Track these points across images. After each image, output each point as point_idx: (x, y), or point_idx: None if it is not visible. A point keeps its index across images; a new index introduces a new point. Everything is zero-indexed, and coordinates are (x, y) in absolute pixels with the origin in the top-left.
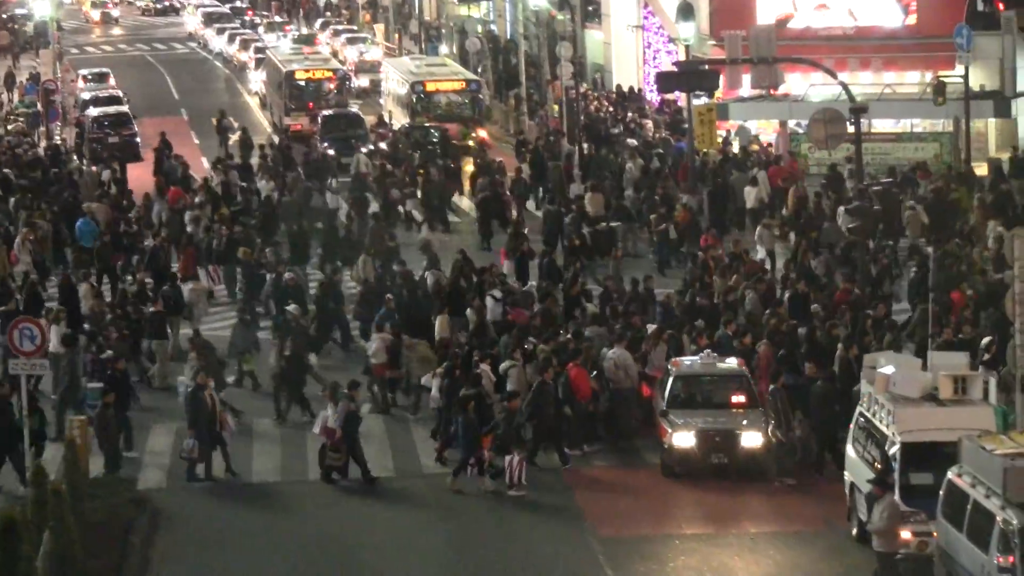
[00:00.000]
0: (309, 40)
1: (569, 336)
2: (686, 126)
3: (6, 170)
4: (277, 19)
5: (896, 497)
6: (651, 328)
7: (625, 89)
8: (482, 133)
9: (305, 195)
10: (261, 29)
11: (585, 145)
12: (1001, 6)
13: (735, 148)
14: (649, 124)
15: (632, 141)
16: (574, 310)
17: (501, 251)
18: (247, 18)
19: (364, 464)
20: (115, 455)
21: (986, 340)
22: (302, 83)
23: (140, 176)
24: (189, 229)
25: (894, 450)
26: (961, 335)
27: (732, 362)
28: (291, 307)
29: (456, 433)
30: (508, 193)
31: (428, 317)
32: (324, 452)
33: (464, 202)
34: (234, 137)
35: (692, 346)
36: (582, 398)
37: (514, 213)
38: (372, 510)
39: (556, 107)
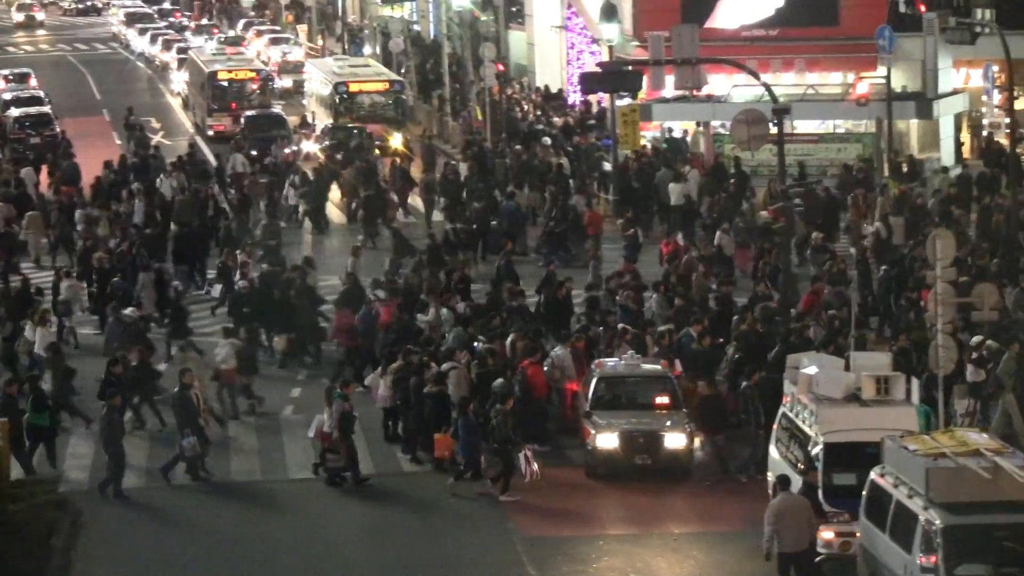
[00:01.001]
0: (237, 43)
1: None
2: (592, 122)
3: None
4: (205, 21)
5: (783, 496)
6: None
7: (550, 90)
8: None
9: (195, 195)
10: (189, 32)
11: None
12: (923, 8)
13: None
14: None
15: (546, 140)
16: (563, 313)
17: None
18: (175, 20)
19: (356, 465)
20: (120, 459)
21: (976, 339)
22: (225, 84)
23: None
24: (80, 228)
25: (817, 450)
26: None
27: (655, 363)
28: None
29: (455, 433)
30: (391, 192)
31: (294, 316)
32: (324, 456)
33: (417, 201)
34: (156, 138)
35: (655, 347)
36: (538, 395)
37: (399, 213)
38: (294, 513)
39: (479, 108)
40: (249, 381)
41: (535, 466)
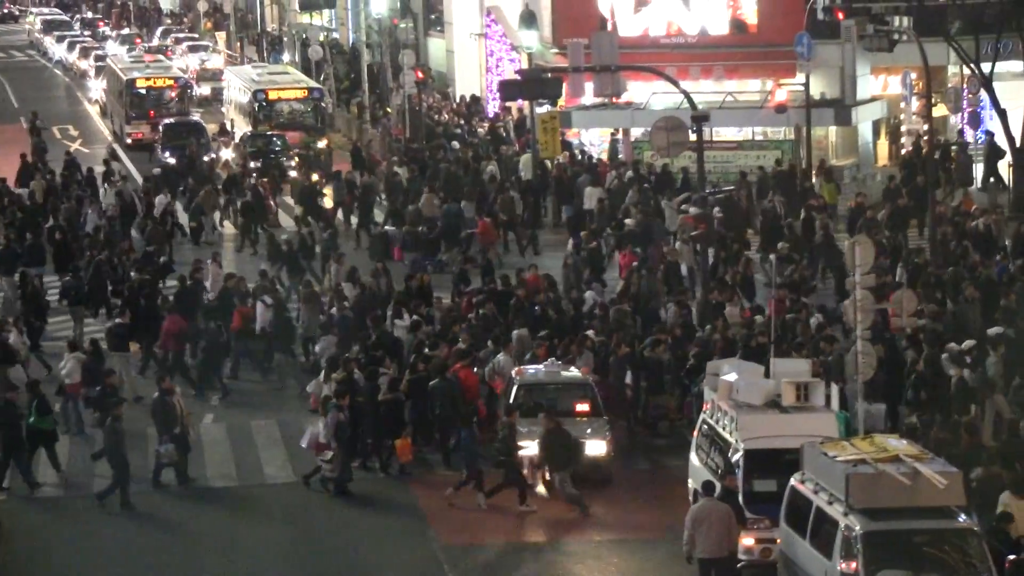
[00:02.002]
0: (161, 52)
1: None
2: (501, 127)
3: None
4: (127, 31)
5: (704, 501)
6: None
7: (468, 97)
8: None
9: (79, 202)
10: (111, 41)
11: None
12: (841, 15)
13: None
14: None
15: (455, 144)
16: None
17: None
18: (99, 30)
19: (349, 472)
20: (123, 467)
21: (967, 344)
22: (143, 91)
23: None
24: None
25: (737, 457)
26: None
27: (575, 371)
28: None
29: (457, 445)
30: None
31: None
32: (319, 467)
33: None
34: (74, 145)
35: (611, 356)
36: (470, 398)
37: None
38: (212, 517)
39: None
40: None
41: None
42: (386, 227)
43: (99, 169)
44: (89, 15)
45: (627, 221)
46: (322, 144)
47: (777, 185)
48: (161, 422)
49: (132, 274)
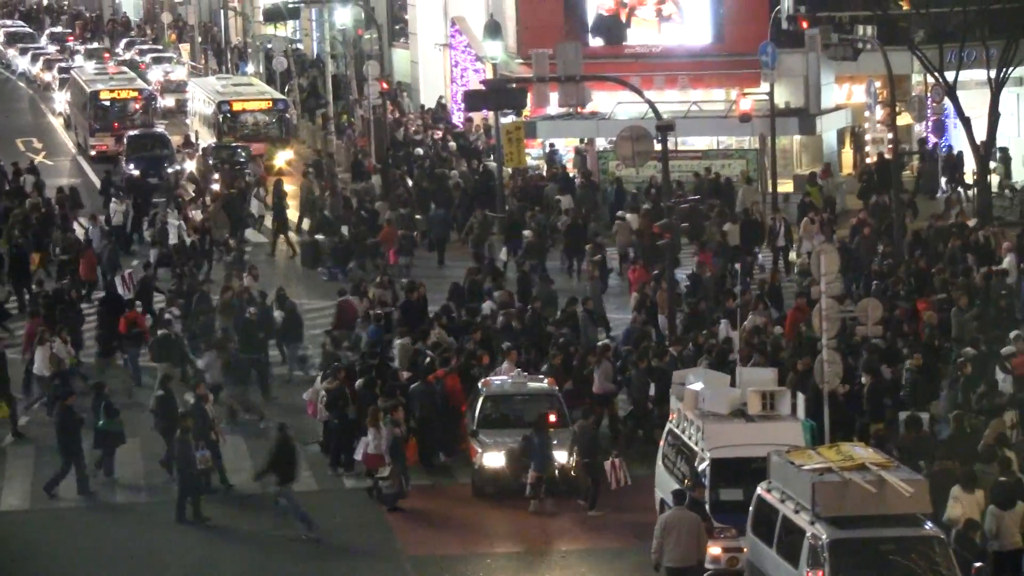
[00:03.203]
0: (135, 67)
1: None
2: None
3: None
4: (96, 45)
5: (674, 510)
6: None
7: (433, 107)
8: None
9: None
10: (79, 56)
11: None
12: (805, 24)
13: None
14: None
15: (419, 150)
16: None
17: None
18: (68, 44)
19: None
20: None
21: (965, 353)
22: (107, 103)
23: None
24: None
25: (704, 466)
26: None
27: (543, 381)
28: None
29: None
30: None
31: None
32: (376, 480)
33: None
34: (38, 158)
35: (632, 369)
36: (453, 404)
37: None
38: (180, 531)
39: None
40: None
41: (622, 473)
42: (316, 236)
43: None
44: (59, 29)
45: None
46: (287, 155)
47: (712, 192)
48: (197, 428)
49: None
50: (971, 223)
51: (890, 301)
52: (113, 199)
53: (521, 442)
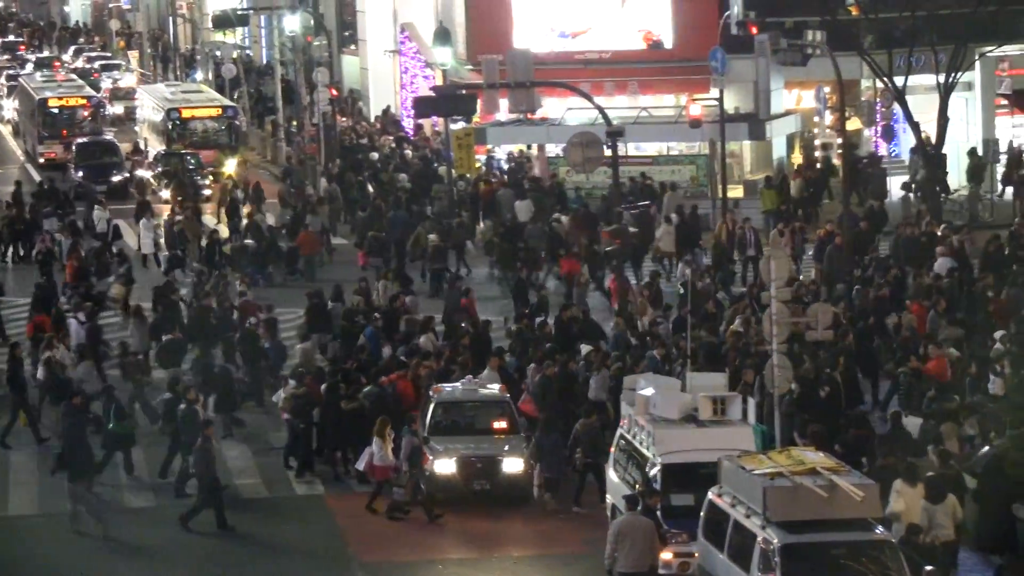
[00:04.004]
0: (87, 75)
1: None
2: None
3: None
4: (47, 53)
5: (627, 516)
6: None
7: (383, 114)
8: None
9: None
10: (30, 65)
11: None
12: (754, 29)
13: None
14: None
15: (374, 154)
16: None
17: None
18: (19, 53)
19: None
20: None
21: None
22: (55, 111)
23: None
24: None
25: (655, 471)
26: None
27: (494, 388)
28: None
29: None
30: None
31: None
32: (379, 488)
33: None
34: None
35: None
36: (406, 406)
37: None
38: (131, 535)
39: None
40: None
41: None
42: (246, 240)
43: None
44: (11, 38)
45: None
46: (234, 162)
47: (646, 197)
48: (189, 432)
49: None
50: (939, 230)
51: (873, 305)
52: (96, 206)
53: (532, 446)
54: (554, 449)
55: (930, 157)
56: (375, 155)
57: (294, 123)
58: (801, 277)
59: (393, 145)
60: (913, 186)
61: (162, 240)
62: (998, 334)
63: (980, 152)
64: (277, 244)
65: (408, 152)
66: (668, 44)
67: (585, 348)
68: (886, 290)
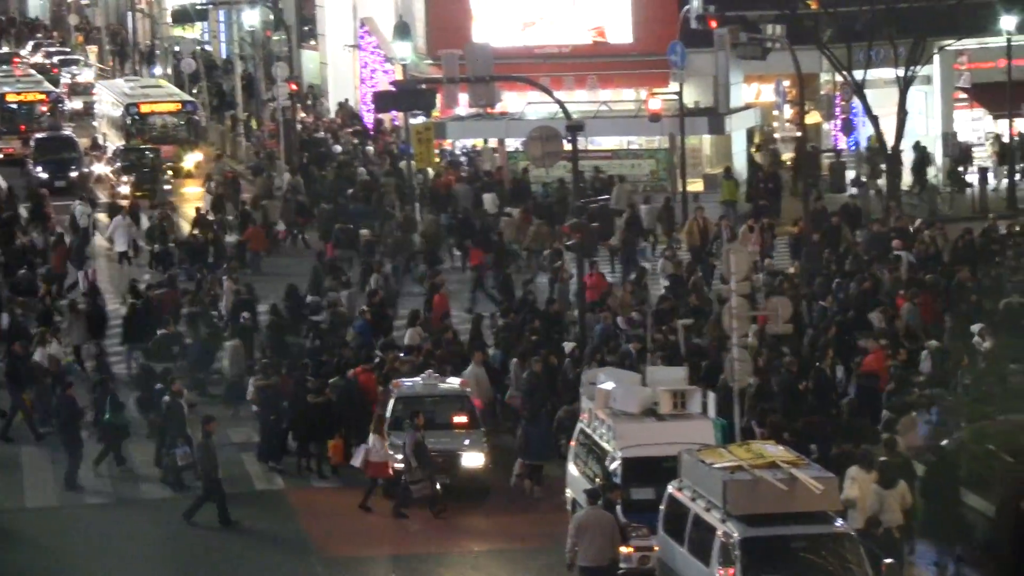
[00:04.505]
0: (46, 71)
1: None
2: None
3: None
4: (6, 50)
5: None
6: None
7: (339, 107)
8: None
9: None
10: None
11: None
12: (713, 24)
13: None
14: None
15: (338, 147)
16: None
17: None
18: None
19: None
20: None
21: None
22: (14, 106)
23: None
24: None
25: (615, 465)
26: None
27: (454, 382)
28: None
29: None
30: None
31: None
32: (374, 487)
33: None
34: None
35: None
36: (369, 399)
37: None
38: (86, 535)
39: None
40: None
41: None
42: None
43: None
44: None
45: None
46: (196, 157)
47: (600, 191)
48: (173, 426)
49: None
50: (913, 225)
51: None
52: (79, 201)
53: (520, 437)
54: (541, 438)
55: (887, 152)
56: (338, 148)
57: (252, 119)
58: (792, 270)
59: (356, 141)
60: (864, 181)
61: (139, 240)
62: (975, 327)
63: (924, 145)
64: (220, 239)
65: (370, 148)
66: (621, 40)
67: (569, 345)
68: (869, 282)
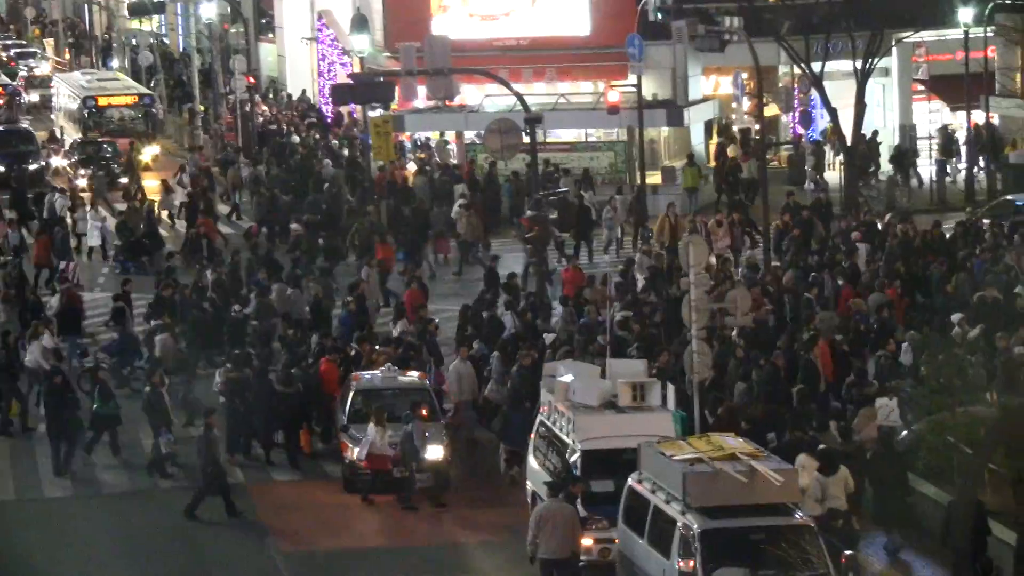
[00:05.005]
0: (3, 63)
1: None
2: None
3: None
4: None
5: (549, 502)
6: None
7: (297, 100)
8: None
9: None
10: None
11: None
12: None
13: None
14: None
15: (295, 138)
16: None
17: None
18: None
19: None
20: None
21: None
22: None
23: None
24: None
25: (575, 458)
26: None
27: (413, 375)
28: None
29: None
30: None
31: None
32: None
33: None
34: None
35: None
36: (328, 391)
37: None
38: (46, 530)
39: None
40: None
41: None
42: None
43: None
44: None
45: None
46: (153, 150)
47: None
48: (156, 415)
49: None
50: (883, 220)
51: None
52: (58, 193)
53: (499, 420)
54: (522, 425)
55: (847, 144)
56: (296, 139)
57: (207, 111)
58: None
59: (317, 136)
60: (818, 177)
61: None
62: (955, 317)
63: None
64: (156, 231)
65: (335, 142)
66: (579, 32)
67: (549, 336)
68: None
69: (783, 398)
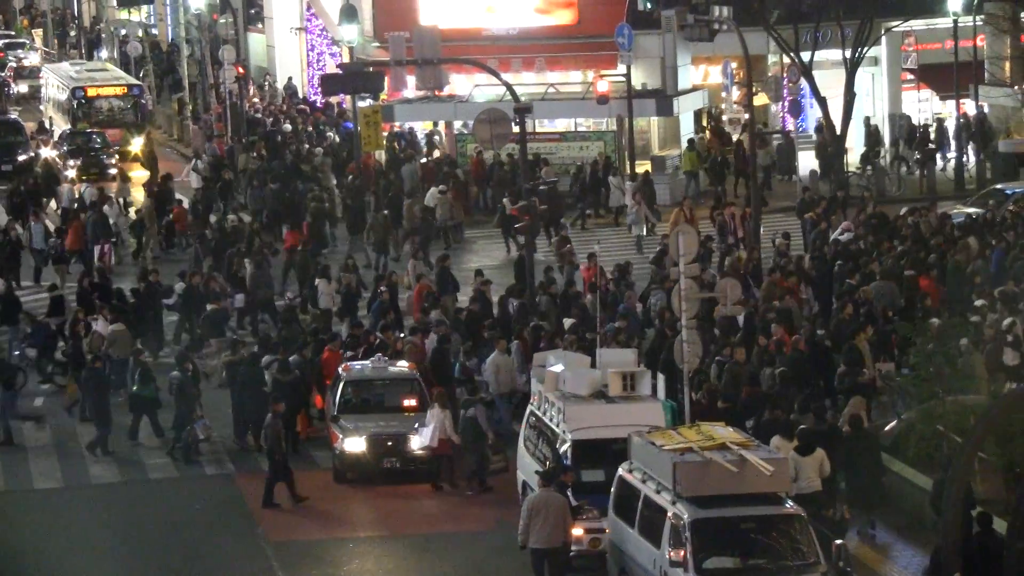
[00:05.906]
0: None
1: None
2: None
3: None
4: None
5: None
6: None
7: (284, 89)
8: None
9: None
10: None
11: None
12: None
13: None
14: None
15: (287, 126)
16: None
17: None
18: None
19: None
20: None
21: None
22: None
23: None
24: None
25: (565, 448)
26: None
27: (403, 365)
28: None
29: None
30: None
31: None
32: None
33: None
34: None
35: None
36: (327, 380)
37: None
38: (38, 519)
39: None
40: None
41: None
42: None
43: None
44: None
45: None
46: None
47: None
48: (186, 401)
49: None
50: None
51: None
52: (86, 184)
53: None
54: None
55: (835, 133)
56: (288, 127)
57: (193, 104)
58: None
59: (311, 127)
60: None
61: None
62: (978, 302)
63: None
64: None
65: (329, 133)
66: (568, 21)
67: (568, 321)
68: (876, 264)
69: (807, 383)
